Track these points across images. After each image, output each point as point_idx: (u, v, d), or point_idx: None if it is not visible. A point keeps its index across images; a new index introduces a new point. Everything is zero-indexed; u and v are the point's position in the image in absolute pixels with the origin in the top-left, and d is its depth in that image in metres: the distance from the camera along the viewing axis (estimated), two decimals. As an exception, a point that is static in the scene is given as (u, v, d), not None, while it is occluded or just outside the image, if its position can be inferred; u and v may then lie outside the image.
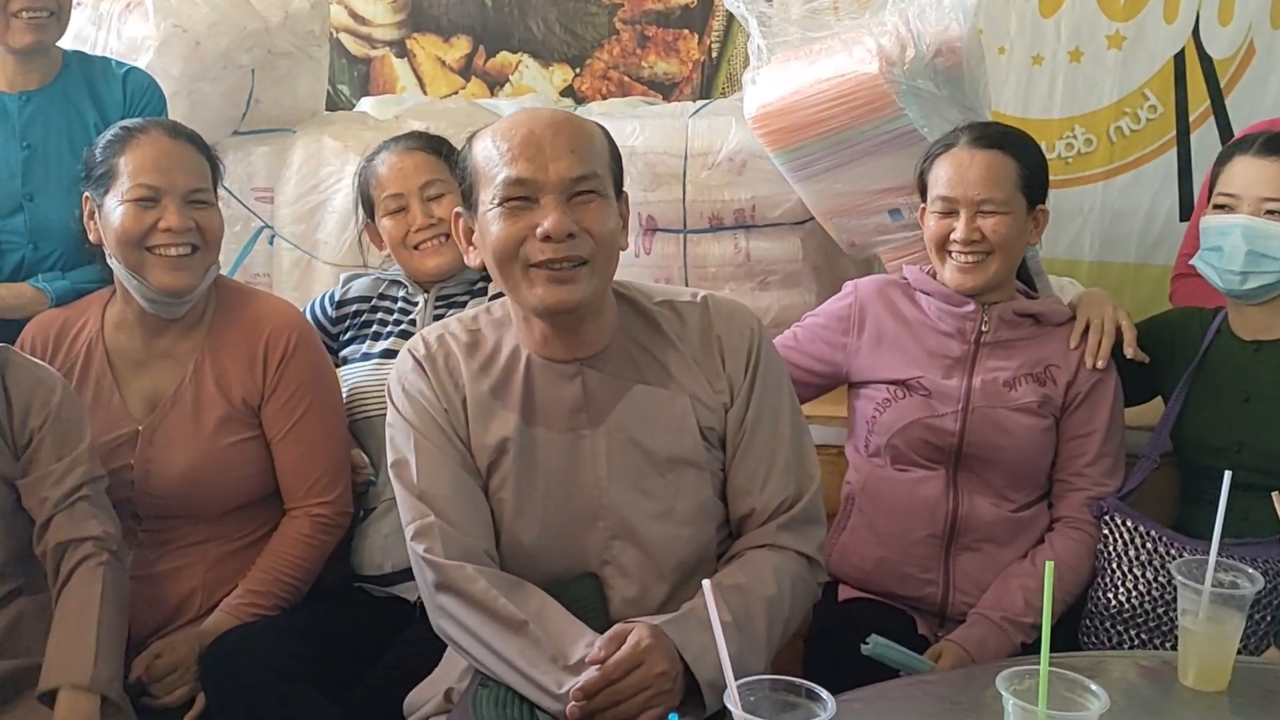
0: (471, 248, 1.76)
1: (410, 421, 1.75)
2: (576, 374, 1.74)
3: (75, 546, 1.89)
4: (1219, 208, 2.12)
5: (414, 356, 1.78)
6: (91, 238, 2.11)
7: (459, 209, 1.77)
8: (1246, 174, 2.08)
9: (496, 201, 1.66)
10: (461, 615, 1.66)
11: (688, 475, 1.75)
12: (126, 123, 2.15)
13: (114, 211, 2.04)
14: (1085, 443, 2.18)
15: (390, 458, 1.77)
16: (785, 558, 1.76)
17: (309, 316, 2.41)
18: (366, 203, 2.38)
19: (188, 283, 2.07)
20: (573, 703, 1.55)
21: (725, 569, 1.76)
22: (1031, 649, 2.03)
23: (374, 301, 2.39)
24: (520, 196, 1.65)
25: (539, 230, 1.63)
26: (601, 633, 1.63)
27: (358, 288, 2.42)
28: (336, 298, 2.42)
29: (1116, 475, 2.19)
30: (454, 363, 1.76)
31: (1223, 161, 2.16)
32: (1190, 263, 2.20)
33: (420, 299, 2.31)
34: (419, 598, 1.94)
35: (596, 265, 1.67)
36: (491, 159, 1.67)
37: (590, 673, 1.56)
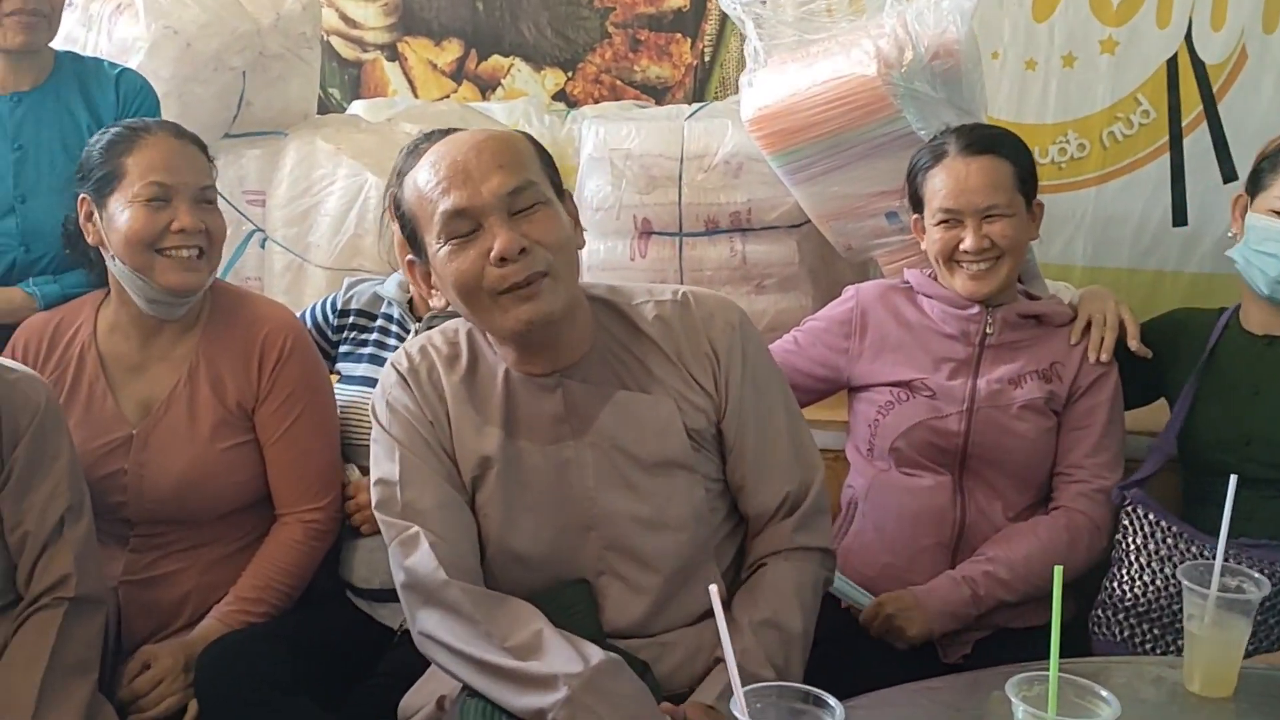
0: (433, 291, 1.73)
1: (395, 436, 1.73)
2: (557, 386, 1.72)
3: (42, 589, 1.84)
4: (1278, 213, 2.06)
5: (397, 370, 1.76)
6: (90, 239, 2.08)
7: (411, 257, 1.75)
8: None
9: (443, 239, 1.64)
10: (440, 631, 1.64)
11: (678, 479, 1.73)
12: (129, 122, 2.13)
13: (121, 213, 2.02)
14: (1085, 434, 2.17)
15: (374, 475, 1.74)
16: (804, 566, 1.78)
17: (309, 321, 2.38)
18: None
19: (196, 283, 2.06)
20: None
21: (748, 593, 1.75)
22: (1042, 654, 2.02)
23: (379, 322, 2.35)
24: (465, 231, 1.62)
25: (492, 255, 1.60)
26: (592, 640, 1.61)
27: (361, 299, 2.38)
28: (339, 305, 2.39)
29: (1117, 469, 2.17)
30: (436, 375, 1.75)
31: None
32: (1228, 253, 2.16)
33: (413, 328, 2.28)
34: (402, 623, 1.92)
35: (559, 273, 1.64)
36: (425, 199, 1.65)
37: None
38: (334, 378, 2.34)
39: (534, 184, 1.65)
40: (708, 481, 1.76)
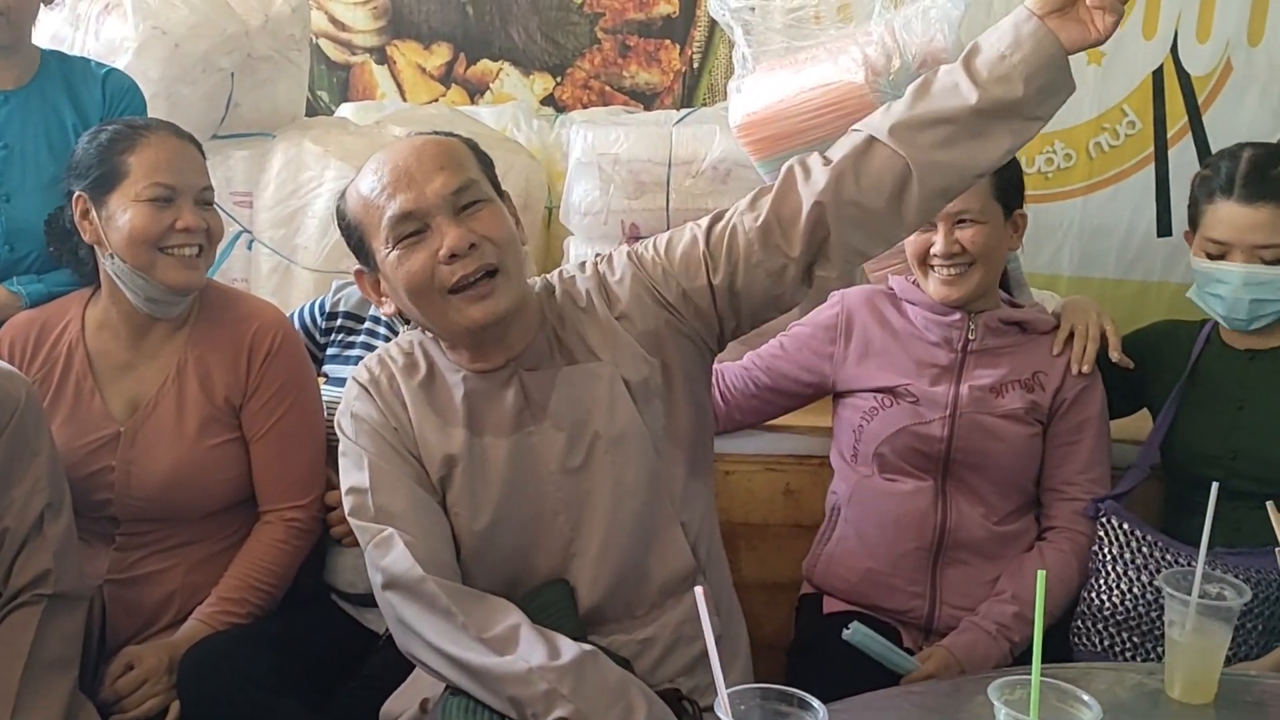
0: (383, 298, 1.77)
1: (362, 446, 1.76)
2: (512, 376, 1.75)
3: (21, 586, 1.83)
4: (1211, 255, 2.10)
5: (359, 383, 1.80)
6: (86, 237, 2.07)
7: (360, 268, 1.78)
8: (1234, 221, 2.06)
9: (391, 244, 1.67)
10: (419, 625, 1.65)
11: (630, 446, 1.75)
12: (128, 120, 2.13)
13: (123, 212, 2.02)
14: (1075, 449, 2.18)
15: (344, 485, 1.77)
16: None
17: (297, 323, 2.38)
18: None
19: (196, 281, 2.08)
20: None
21: None
22: (1021, 658, 2.03)
23: (366, 324, 2.36)
24: (412, 231, 1.66)
25: (441, 252, 1.64)
26: (573, 638, 1.63)
27: (349, 301, 2.38)
28: (327, 307, 2.39)
29: (1108, 483, 2.19)
30: (396, 384, 1.78)
31: (1204, 198, 2.13)
32: (1188, 295, 2.20)
33: (401, 329, 2.28)
34: (387, 628, 1.92)
35: (508, 269, 1.69)
36: (371, 206, 1.68)
37: None
38: (320, 380, 2.34)
39: (476, 182, 1.70)
40: (657, 443, 1.77)
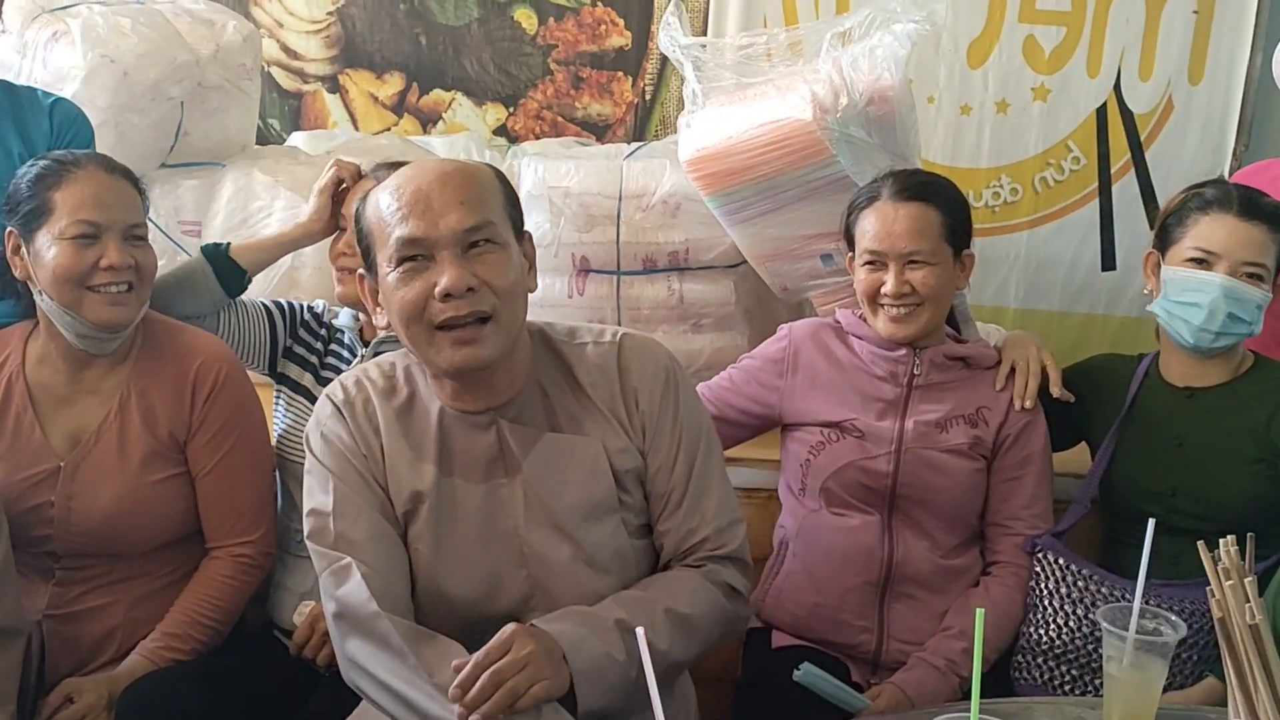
0: (378, 309, 1.74)
1: (329, 467, 1.73)
2: (491, 423, 1.73)
3: None
4: (1195, 261, 2.11)
5: (333, 402, 1.76)
6: (17, 273, 2.05)
7: (361, 271, 1.76)
8: (1229, 234, 2.08)
9: (393, 263, 1.64)
10: (369, 662, 1.63)
11: (605, 523, 1.74)
12: (58, 155, 2.09)
13: (49, 249, 1.99)
14: (1019, 484, 2.20)
15: (307, 505, 1.74)
16: (708, 583, 1.75)
17: (287, 305, 2.40)
18: None
19: (126, 318, 2.03)
20: (455, 704, 1.51)
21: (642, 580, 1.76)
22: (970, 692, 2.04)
23: (332, 345, 2.36)
24: (415, 255, 1.63)
25: (438, 289, 1.61)
26: None
27: (333, 317, 2.39)
28: (324, 318, 2.40)
29: (1050, 517, 2.22)
30: (371, 408, 1.75)
31: (1197, 209, 2.14)
32: (1149, 308, 2.21)
33: (360, 353, 2.29)
34: (330, 665, 1.90)
35: (501, 319, 1.65)
36: (384, 221, 1.65)
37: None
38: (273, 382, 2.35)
39: (492, 224, 1.65)
40: (629, 526, 1.77)
